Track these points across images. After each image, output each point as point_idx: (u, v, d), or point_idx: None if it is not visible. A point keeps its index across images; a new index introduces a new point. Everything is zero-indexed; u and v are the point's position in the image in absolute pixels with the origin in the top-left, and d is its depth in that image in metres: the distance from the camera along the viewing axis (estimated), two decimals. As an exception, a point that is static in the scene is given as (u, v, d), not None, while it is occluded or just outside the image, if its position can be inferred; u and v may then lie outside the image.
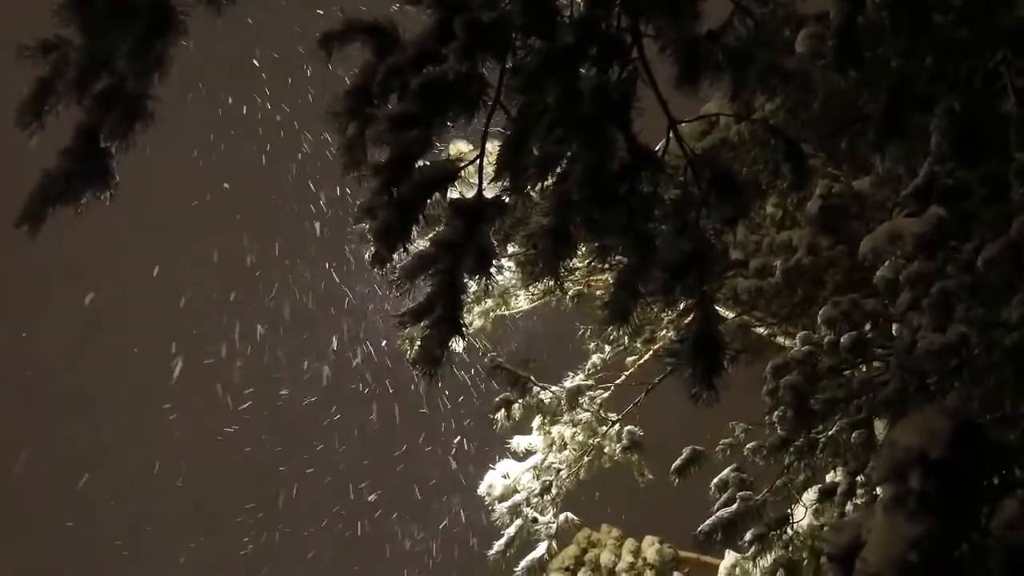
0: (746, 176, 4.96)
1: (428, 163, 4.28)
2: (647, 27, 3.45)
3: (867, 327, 6.78)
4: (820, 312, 6.40)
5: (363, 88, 3.67)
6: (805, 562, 8.85)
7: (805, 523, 8.83)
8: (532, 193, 4.54)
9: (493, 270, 4.87)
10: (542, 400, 8.68)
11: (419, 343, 4.30)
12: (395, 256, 4.49)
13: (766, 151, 3.86)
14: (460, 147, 4.16)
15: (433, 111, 3.79)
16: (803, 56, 3.97)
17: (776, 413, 8.17)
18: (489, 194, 4.48)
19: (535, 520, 10.34)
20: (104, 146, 4.00)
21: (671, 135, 4.09)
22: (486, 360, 7.87)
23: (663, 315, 7.10)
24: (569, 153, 4.19)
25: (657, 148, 4.16)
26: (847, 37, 3.33)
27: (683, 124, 3.90)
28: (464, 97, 3.73)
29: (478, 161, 4.30)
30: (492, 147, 4.32)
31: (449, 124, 3.92)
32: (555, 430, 9.50)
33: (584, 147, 4.09)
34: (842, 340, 7.08)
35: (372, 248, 4.63)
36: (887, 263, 5.55)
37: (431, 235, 4.69)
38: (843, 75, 3.54)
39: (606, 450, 9.84)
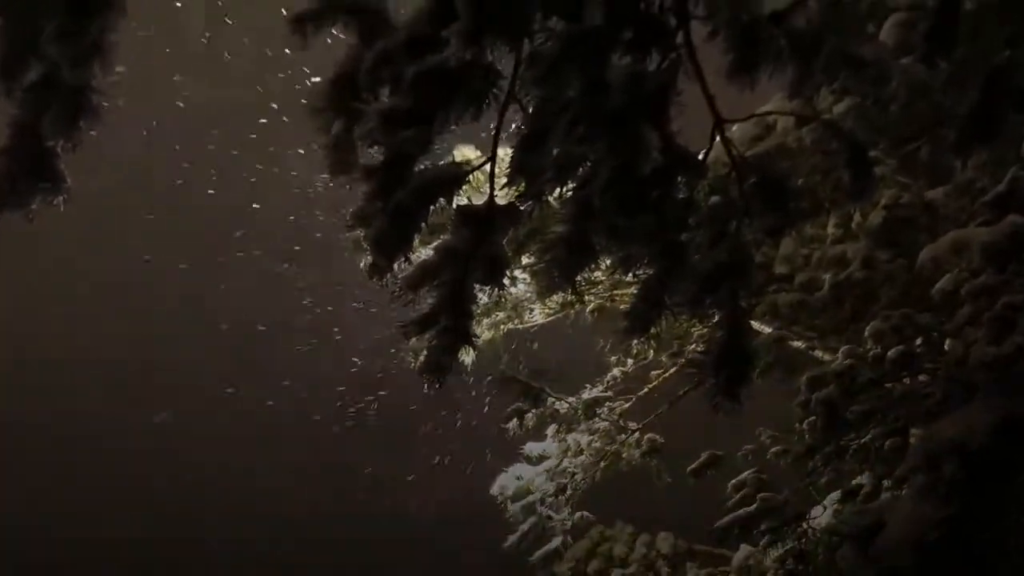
0: (802, 186, 4.32)
1: (429, 166, 3.69)
2: (696, 6, 2.79)
3: (918, 341, 6.19)
4: (869, 326, 5.79)
5: (348, 78, 3.03)
6: (820, 557, 8.63)
7: (824, 521, 8.66)
8: (550, 199, 3.94)
9: (506, 281, 4.37)
10: (557, 410, 8.16)
11: (425, 352, 3.85)
12: (395, 266, 3.99)
13: (828, 159, 3.22)
14: (467, 153, 3.54)
15: (433, 106, 3.17)
16: (883, 44, 3.32)
17: (806, 422, 7.93)
18: (501, 200, 3.92)
19: (550, 517, 10.18)
20: (48, 145, 3.45)
21: (717, 136, 3.45)
22: (498, 371, 7.35)
23: (692, 329, 6.53)
24: (593, 155, 3.60)
25: (700, 153, 3.56)
26: (945, 19, 2.69)
27: (733, 126, 3.25)
28: (469, 89, 3.09)
29: (488, 165, 3.71)
30: (505, 150, 3.75)
31: (452, 122, 3.31)
32: (571, 438, 9.14)
33: (611, 148, 3.47)
34: (889, 353, 6.55)
35: (368, 257, 4.12)
36: (948, 275, 4.92)
37: (436, 243, 4.15)
38: (932, 68, 2.88)
39: (624, 455, 9.54)
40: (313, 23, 2.86)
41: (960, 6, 2.67)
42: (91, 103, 3.17)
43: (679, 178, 3.76)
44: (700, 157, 3.63)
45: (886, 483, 8.27)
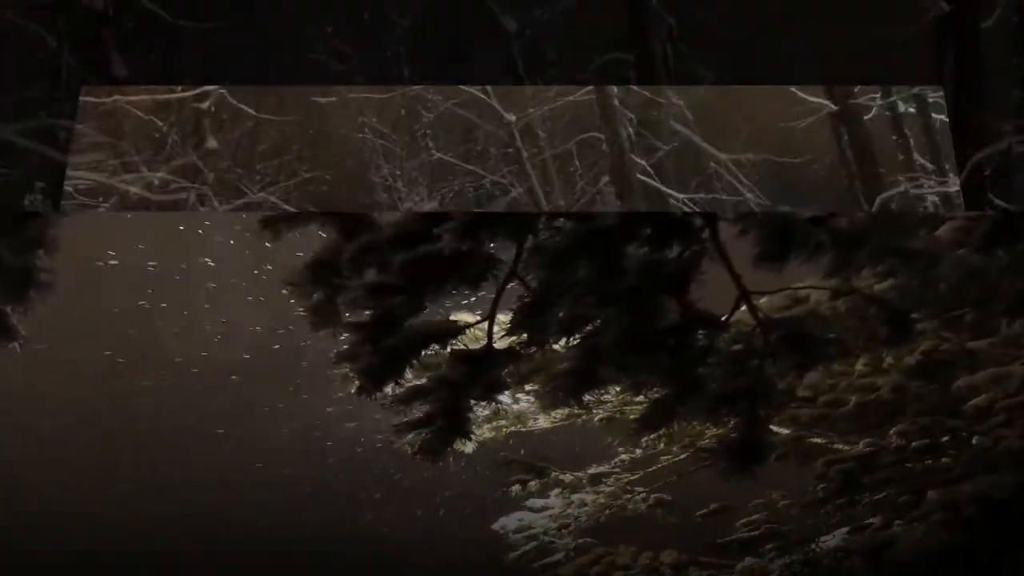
0: (832, 338, 4.00)
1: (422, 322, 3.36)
2: (725, 211, 2.43)
3: (944, 439, 5.87)
4: (895, 428, 5.47)
5: (327, 263, 2.69)
6: (826, 562, 8.44)
7: (832, 544, 8.44)
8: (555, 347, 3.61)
9: (505, 399, 4.08)
10: (562, 480, 7.84)
11: (420, 441, 3.65)
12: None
13: (863, 323, 2.90)
14: (464, 318, 3.22)
15: (424, 287, 2.83)
16: (936, 238, 2.98)
17: (820, 486, 7.65)
18: (500, 345, 3.59)
19: (552, 542, 9.88)
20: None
21: (742, 306, 3.10)
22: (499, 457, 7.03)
23: (706, 431, 6.21)
24: (603, 316, 3.26)
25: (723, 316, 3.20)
26: (1005, 227, 2.36)
27: (762, 298, 2.91)
28: (465, 274, 2.75)
29: (487, 323, 3.37)
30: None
31: (446, 296, 2.97)
32: (575, 496, 8.79)
33: (622, 314, 3.14)
34: (913, 444, 6.23)
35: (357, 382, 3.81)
36: (984, 395, 4.59)
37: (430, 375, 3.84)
38: (990, 256, 2.55)
39: (629, 507, 9.23)
40: (286, 225, 2.52)
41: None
42: (39, 280, 2.85)
43: (698, 333, 3.43)
44: (723, 319, 3.29)
45: (898, 523, 8.04)
